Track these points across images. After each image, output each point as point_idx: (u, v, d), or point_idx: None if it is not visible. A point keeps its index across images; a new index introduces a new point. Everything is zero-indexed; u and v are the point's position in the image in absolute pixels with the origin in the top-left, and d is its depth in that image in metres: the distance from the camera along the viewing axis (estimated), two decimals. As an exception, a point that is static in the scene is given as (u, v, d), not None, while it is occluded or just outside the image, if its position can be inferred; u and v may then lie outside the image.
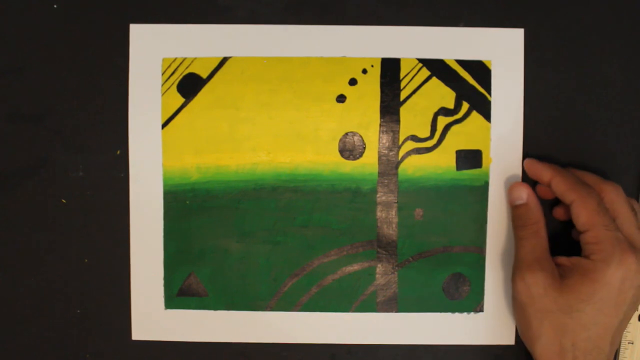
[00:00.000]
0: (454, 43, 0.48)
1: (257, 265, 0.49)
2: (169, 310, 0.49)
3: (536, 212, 0.45)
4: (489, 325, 0.49)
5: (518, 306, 0.44)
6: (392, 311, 0.49)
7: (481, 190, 0.48)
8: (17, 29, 0.48)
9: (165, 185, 0.49)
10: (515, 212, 0.46)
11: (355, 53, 0.48)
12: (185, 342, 0.49)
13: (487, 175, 0.48)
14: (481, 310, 0.49)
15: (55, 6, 0.48)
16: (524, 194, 0.46)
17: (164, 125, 0.48)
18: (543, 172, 0.45)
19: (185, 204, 0.49)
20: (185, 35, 0.48)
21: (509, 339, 0.49)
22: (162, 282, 0.49)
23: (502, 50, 0.48)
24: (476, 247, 0.48)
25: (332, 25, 0.48)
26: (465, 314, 0.49)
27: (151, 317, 0.49)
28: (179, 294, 0.49)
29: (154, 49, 0.48)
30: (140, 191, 0.49)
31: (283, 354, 0.50)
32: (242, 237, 0.49)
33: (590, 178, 0.45)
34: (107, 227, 0.49)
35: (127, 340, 0.49)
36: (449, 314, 0.49)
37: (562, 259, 0.44)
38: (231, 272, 0.49)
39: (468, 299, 0.49)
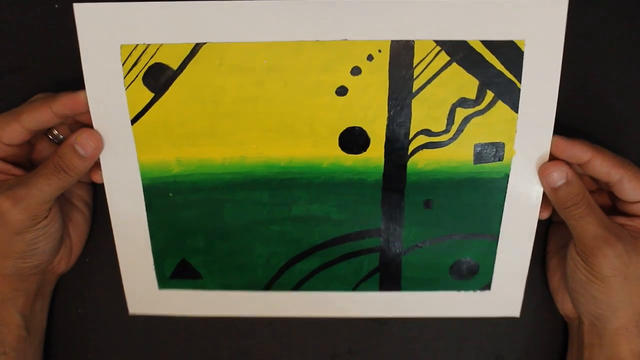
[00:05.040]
0: (480, 20, 0.39)
1: (252, 251, 0.45)
2: (163, 291, 0.47)
3: (582, 186, 0.41)
4: (495, 300, 0.47)
5: (596, 281, 0.41)
6: (394, 290, 0.47)
7: (500, 182, 0.43)
8: (17, 29, 0.45)
9: (143, 179, 0.43)
10: (560, 193, 0.41)
11: (359, 35, 0.39)
12: (182, 317, 0.48)
13: (508, 167, 0.42)
14: (488, 288, 0.46)
15: (56, 6, 0.44)
16: (564, 172, 0.41)
17: (134, 121, 0.41)
18: (582, 150, 0.40)
19: (168, 197, 0.43)
20: (146, 17, 0.38)
21: (514, 312, 0.47)
22: (152, 267, 0.46)
23: (539, 26, 0.39)
24: (489, 235, 0.44)
25: (330, 1, 0.38)
26: (471, 292, 0.47)
27: (145, 296, 0.47)
28: (172, 276, 0.46)
29: (108, 35, 0.39)
30: (117, 186, 0.43)
31: (284, 354, 0.49)
32: (235, 228, 0.45)
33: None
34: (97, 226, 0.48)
35: (125, 316, 0.48)
36: (455, 292, 0.47)
37: (621, 219, 0.42)
38: (225, 258, 0.46)
39: (475, 279, 0.46)
